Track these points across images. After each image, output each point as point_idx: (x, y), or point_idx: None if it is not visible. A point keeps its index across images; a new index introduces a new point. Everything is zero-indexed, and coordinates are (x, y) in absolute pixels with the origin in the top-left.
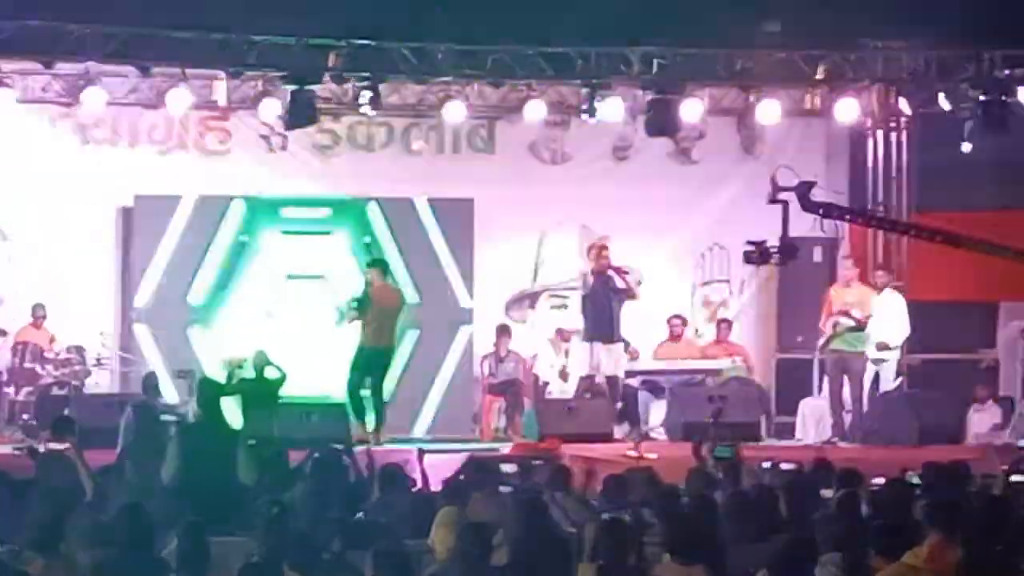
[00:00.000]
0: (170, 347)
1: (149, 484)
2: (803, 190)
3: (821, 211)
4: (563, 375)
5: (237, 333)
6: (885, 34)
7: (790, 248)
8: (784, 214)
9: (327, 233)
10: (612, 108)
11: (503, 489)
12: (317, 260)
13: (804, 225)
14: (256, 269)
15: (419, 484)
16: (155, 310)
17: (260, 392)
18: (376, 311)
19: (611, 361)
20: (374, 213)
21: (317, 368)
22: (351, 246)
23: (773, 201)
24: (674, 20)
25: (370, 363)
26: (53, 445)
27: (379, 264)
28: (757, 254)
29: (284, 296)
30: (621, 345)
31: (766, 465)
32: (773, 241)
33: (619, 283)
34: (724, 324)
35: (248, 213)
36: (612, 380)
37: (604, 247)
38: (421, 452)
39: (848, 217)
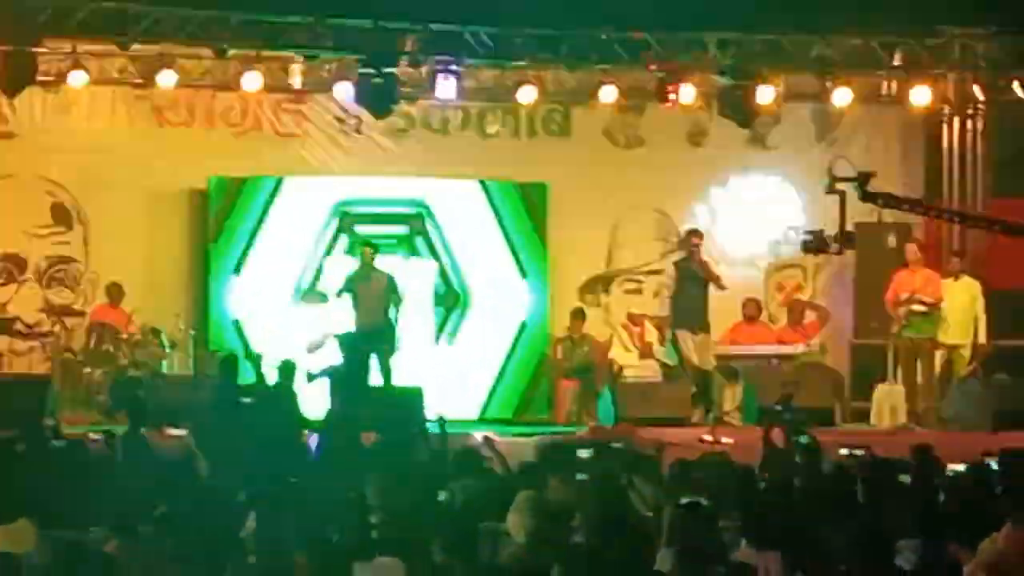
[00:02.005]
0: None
1: (229, 466)
2: (861, 181)
3: (880, 201)
4: (641, 356)
5: (318, 316)
6: (961, 21)
7: (847, 237)
8: (841, 204)
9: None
10: (687, 93)
11: (580, 475)
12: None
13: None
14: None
15: (495, 467)
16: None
17: (347, 376)
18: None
19: (700, 350)
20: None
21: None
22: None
23: (831, 191)
24: (749, 5)
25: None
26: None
27: (371, 243)
28: (815, 243)
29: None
30: (710, 335)
31: (844, 452)
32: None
33: (710, 270)
34: (799, 307)
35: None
36: (700, 368)
37: (696, 233)
38: (488, 438)
39: (907, 207)
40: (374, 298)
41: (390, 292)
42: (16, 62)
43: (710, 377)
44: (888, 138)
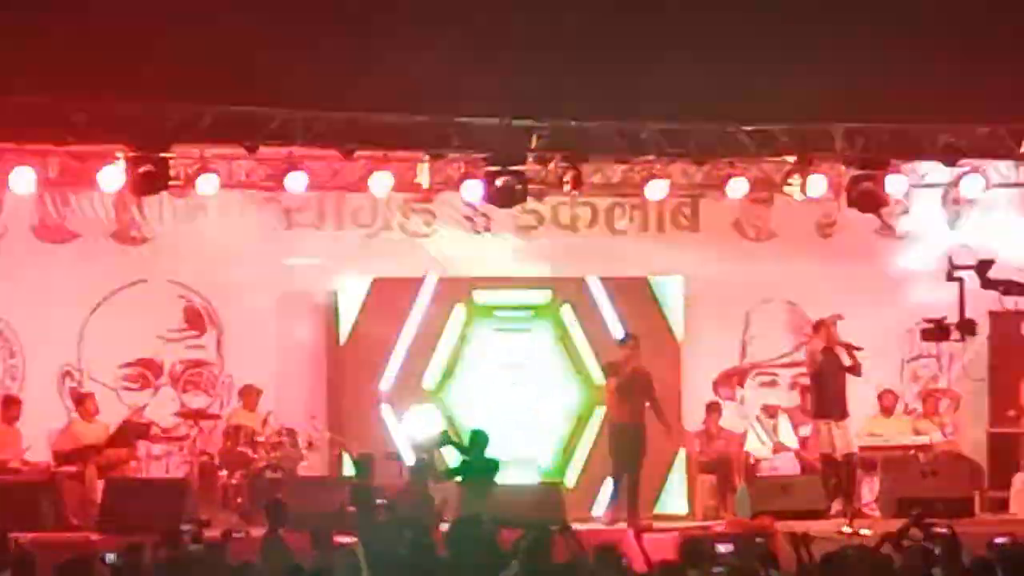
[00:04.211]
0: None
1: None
2: (982, 268)
3: (1001, 288)
4: (776, 450)
5: (460, 415)
6: None
7: (968, 325)
8: (960, 291)
9: (528, 331)
10: (816, 184)
11: (717, 568)
12: (522, 352)
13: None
14: (473, 360)
15: (638, 564)
16: (394, 393)
17: (478, 472)
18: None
19: (843, 438)
20: (567, 313)
21: (527, 444)
22: (550, 340)
23: (951, 279)
24: (875, 95)
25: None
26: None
27: (633, 336)
28: (936, 331)
29: (498, 381)
30: (849, 421)
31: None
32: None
33: (847, 359)
34: (933, 399)
35: (467, 313)
36: (843, 457)
37: (833, 323)
38: (639, 533)
39: None
40: (629, 394)
41: (646, 389)
42: (149, 167)
43: (850, 468)
44: (1021, 222)
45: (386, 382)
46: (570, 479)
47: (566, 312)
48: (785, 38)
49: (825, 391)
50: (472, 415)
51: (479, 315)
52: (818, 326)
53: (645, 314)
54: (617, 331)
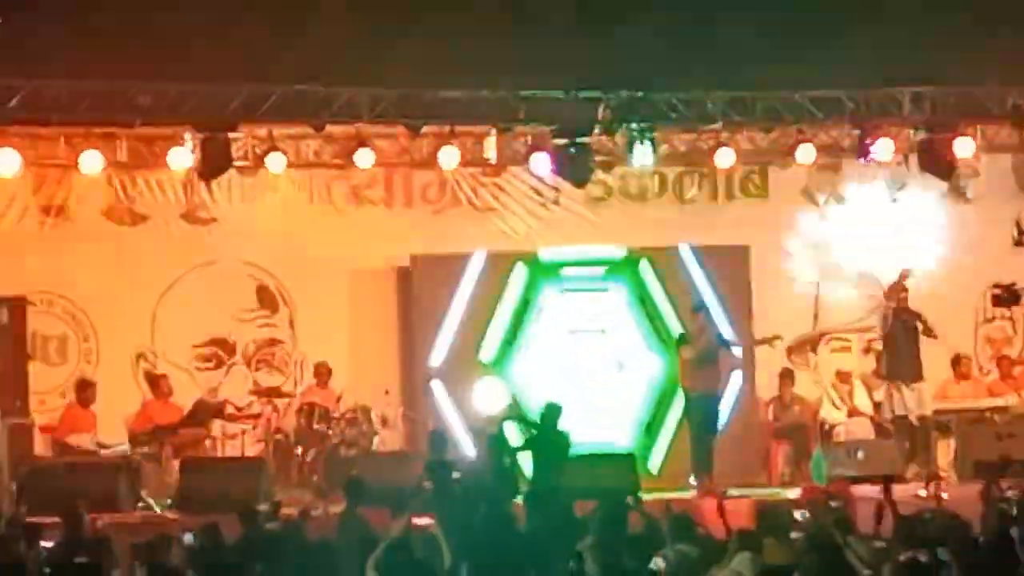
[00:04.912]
0: (462, 403)
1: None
2: None
3: None
4: (851, 414)
5: (525, 387)
6: None
7: None
8: None
9: (604, 291)
10: (884, 149)
11: (794, 534)
12: (596, 316)
13: None
14: (540, 326)
15: (717, 531)
16: (447, 367)
17: (550, 446)
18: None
19: (917, 400)
20: (646, 270)
21: (601, 417)
22: (627, 301)
23: (1019, 243)
24: (941, 58)
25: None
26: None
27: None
28: (1006, 296)
29: (569, 349)
30: (923, 384)
31: None
32: None
33: (925, 320)
34: (1008, 361)
35: (530, 274)
36: (918, 420)
37: (905, 286)
38: (720, 500)
39: None
40: (703, 364)
41: (705, 360)
42: (213, 148)
43: (925, 431)
44: None
45: (436, 356)
46: (656, 458)
47: (645, 269)
48: (850, 2)
49: (898, 353)
50: (538, 388)
51: (544, 275)
52: (891, 289)
53: (724, 280)
54: (705, 291)
